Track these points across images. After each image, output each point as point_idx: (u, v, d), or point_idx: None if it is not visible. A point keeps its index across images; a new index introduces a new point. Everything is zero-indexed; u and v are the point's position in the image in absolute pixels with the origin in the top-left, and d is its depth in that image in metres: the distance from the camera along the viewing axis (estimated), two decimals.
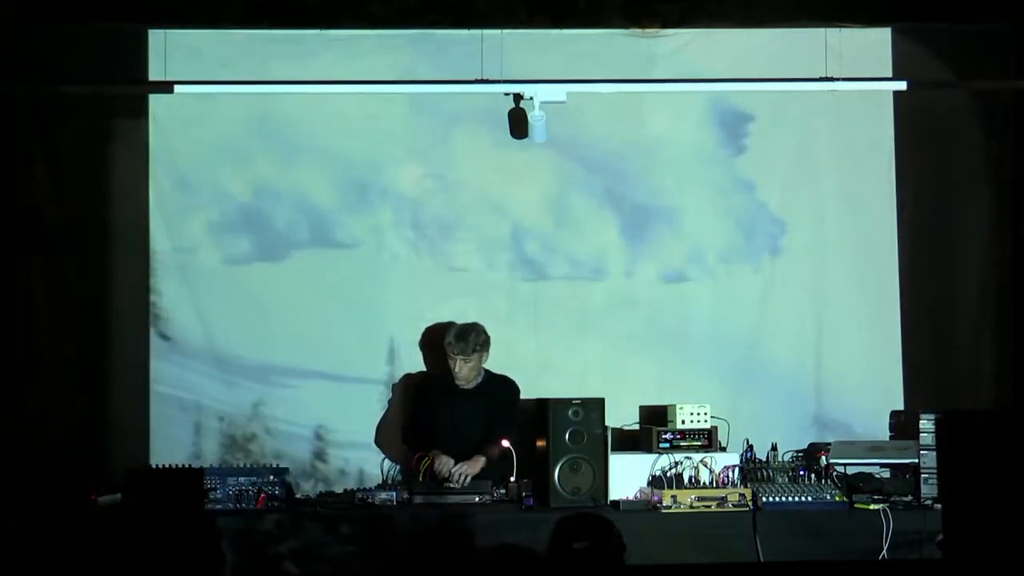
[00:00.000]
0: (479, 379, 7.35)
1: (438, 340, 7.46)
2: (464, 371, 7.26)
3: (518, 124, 7.79)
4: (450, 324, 7.40)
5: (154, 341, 7.77)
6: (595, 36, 7.91)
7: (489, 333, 7.36)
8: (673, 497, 6.62)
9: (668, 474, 6.79)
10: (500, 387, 7.37)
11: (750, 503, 6.65)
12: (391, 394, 7.80)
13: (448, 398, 7.33)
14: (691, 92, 7.95)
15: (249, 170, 7.87)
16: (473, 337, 7.23)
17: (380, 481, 7.50)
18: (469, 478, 6.89)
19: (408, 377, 7.79)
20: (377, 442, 7.74)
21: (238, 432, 7.78)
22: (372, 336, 7.83)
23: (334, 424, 7.80)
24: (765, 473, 6.87)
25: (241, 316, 7.79)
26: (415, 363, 7.83)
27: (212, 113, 7.86)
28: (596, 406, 6.83)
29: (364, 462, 7.76)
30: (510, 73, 7.72)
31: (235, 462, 7.35)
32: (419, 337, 7.80)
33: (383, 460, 7.67)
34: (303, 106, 7.87)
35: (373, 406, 7.83)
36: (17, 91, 7.64)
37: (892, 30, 7.98)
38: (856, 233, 8.02)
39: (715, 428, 7.04)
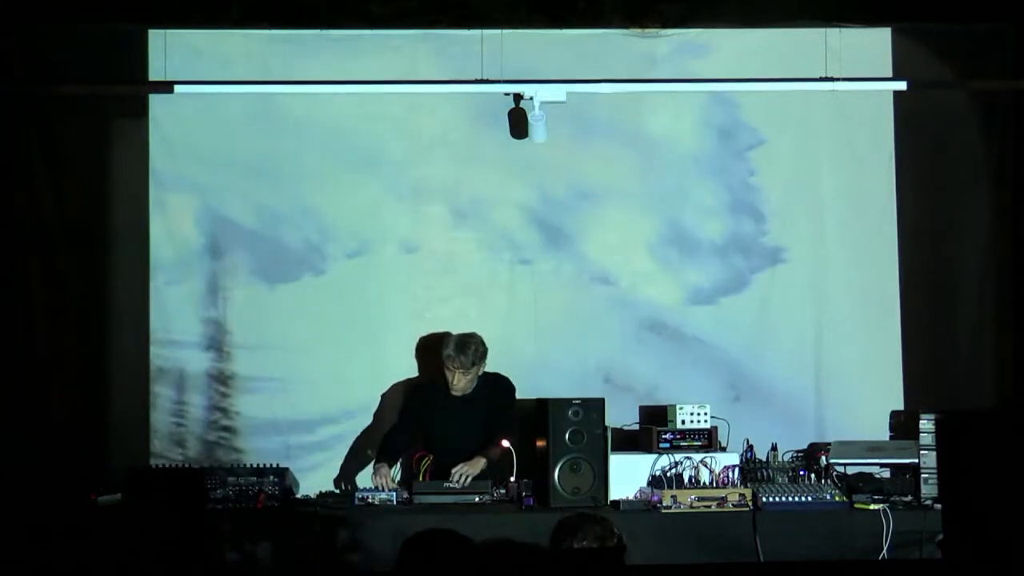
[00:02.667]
0: (473, 384, 7.33)
1: (434, 347, 7.44)
2: (463, 383, 7.23)
3: (518, 124, 7.80)
4: (446, 334, 7.37)
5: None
6: (595, 36, 7.90)
7: (489, 333, 7.34)
8: (673, 497, 6.62)
9: (668, 474, 6.78)
10: (495, 386, 7.33)
11: (750, 503, 6.65)
12: (379, 403, 7.80)
13: (442, 404, 7.29)
14: (691, 92, 7.96)
15: (248, 170, 7.87)
16: (473, 350, 7.18)
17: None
18: (469, 478, 6.88)
19: (395, 387, 7.79)
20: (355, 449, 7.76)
21: None
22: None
23: None
24: (765, 473, 6.87)
25: None
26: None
27: (212, 113, 7.86)
28: (596, 406, 6.82)
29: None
30: (510, 73, 7.72)
31: None
32: (415, 344, 7.80)
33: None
34: (303, 106, 7.87)
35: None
36: (17, 91, 7.64)
37: (892, 30, 7.98)
38: (856, 233, 8.02)
39: (715, 428, 7.03)
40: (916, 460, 6.83)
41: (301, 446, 7.75)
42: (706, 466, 6.80)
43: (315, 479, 7.39)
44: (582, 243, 7.98)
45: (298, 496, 6.94)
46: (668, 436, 6.97)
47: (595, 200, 7.98)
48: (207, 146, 7.86)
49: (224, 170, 7.86)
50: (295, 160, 7.88)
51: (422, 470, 7.03)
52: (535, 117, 7.72)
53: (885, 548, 6.46)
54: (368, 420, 7.81)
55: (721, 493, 6.66)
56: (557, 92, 7.73)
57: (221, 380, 7.80)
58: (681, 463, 6.82)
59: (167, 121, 7.83)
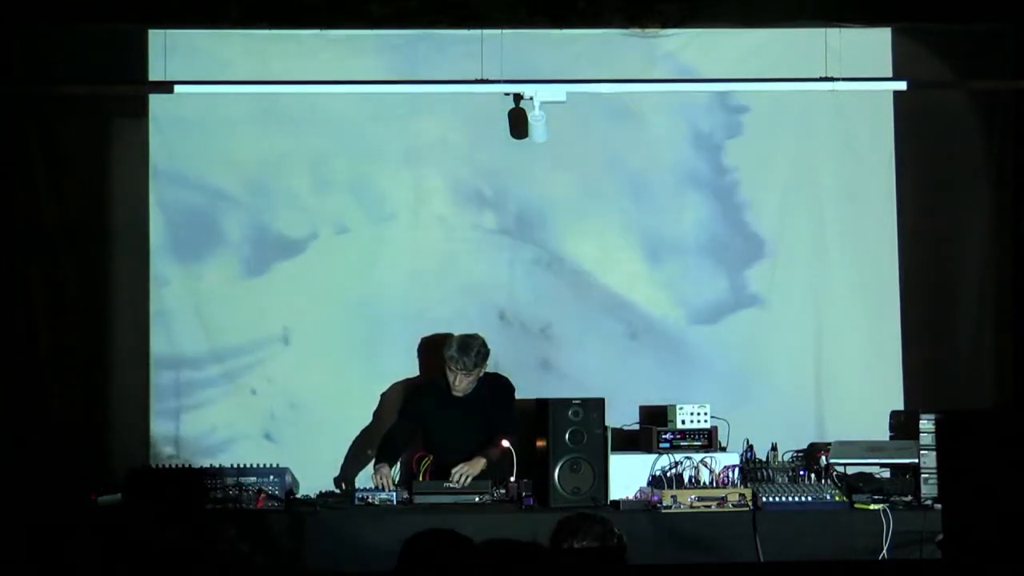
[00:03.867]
0: (474, 385, 7.33)
1: (435, 347, 7.44)
2: (464, 384, 7.22)
3: (518, 124, 7.80)
4: (447, 335, 7.36)
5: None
6: (595, 36, 7.90)
7: (489, 333, 7.34)
8: (673, 497, 6.62)
9: (668, 474, 6.78)
10: (495, 386, 7.33)
11: (750, 503, 6.65)
12: (379, 402, 7.80)
13: (442, 404, 7.28)
14: (691, 92, 7.96)
15: (249, 169, 7.87)
16: (475, 351, 7.17)
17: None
18: (469, 478, 6.88)
19: (395, 386, 7.79)
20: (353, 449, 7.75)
21: None
22: None
23: None
24: (765, 473, 6.87)
25: None
26: None
27: (212, 113, 7.86)
28: (596, 406, 6.83)
29: None
30: (510, 73, 7.72)
31: None
32: (415, 343, 7.80)
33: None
34: (303, 106, 7.87)
35: None
36: (17, 91, 7.64)
37: (892, 30, 7.98)
38: (856, 233, 8.02)
39: (715, 428, 7.03)
40: (916, 460, 6.83)
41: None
42: (706, 466, 6.80)
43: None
44: (581, 243, 7.97)
45: (298, 496, 6.94)
46: (668, 436, 6.97)
47: (594, 200, 7.98)
48: (207, 146, 7.86)
49: (224, 170, 7.86)
50: (295, 160, 7.88)
51: (422, 470, 7.03)
52: (535, 117, 7.72)
53: (885, 548, 6.46)
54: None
55: (721, 493, 6.66)
56: (557, 92, 7.73)
57: None
58: (681, 463, 6.82)
59: (167, 121, 7.83)
